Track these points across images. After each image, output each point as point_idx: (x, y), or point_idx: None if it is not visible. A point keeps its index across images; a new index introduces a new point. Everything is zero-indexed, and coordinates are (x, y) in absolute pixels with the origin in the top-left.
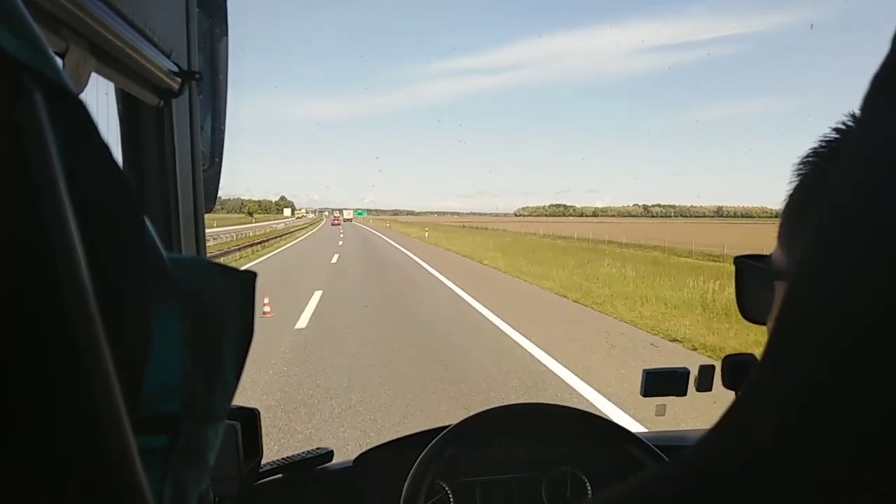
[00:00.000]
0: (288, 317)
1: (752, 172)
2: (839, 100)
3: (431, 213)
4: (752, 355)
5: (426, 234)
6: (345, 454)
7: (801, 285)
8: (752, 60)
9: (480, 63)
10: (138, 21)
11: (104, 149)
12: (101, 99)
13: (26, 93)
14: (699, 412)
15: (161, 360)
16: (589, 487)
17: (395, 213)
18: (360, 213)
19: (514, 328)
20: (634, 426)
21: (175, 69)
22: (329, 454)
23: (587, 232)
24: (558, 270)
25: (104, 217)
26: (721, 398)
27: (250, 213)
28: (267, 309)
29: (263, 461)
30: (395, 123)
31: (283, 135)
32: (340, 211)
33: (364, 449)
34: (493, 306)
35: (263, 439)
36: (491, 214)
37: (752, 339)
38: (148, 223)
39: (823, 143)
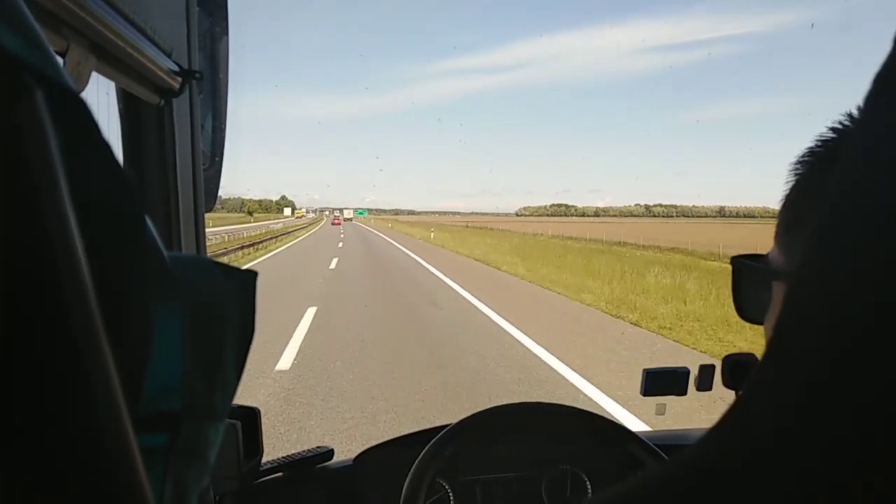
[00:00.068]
0: (268, 349)
1: (752, 172)
2: (840, 99)
3: (432, 212)
4: (752, 355)
5: (431, 234)
6: (345, 454)
7: (801, 285)
8: (754, 60)
9: (481, 62)
10: (139, 20)
11: (105, 148)
12: (101, 98)
13: (27, 91)
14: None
15: (161, 359)
16: (589, 486)
17: (396, 212)
18: (360, 213)
19: (585, 377)
20: None
21: (175, 68)
22: (329, 453)
23: (594, 232)
24: (592, 279)
25: (105, 216)
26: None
27: (250, 213)
28: None
29: (264, 460)
30: (395, 123)
31: (283, 134)
32: (341, 210)
33: (364, 448)
34: (543, 339)
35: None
36: (492, 214)
37: None
38: (149, 222)
39: (820, 143)
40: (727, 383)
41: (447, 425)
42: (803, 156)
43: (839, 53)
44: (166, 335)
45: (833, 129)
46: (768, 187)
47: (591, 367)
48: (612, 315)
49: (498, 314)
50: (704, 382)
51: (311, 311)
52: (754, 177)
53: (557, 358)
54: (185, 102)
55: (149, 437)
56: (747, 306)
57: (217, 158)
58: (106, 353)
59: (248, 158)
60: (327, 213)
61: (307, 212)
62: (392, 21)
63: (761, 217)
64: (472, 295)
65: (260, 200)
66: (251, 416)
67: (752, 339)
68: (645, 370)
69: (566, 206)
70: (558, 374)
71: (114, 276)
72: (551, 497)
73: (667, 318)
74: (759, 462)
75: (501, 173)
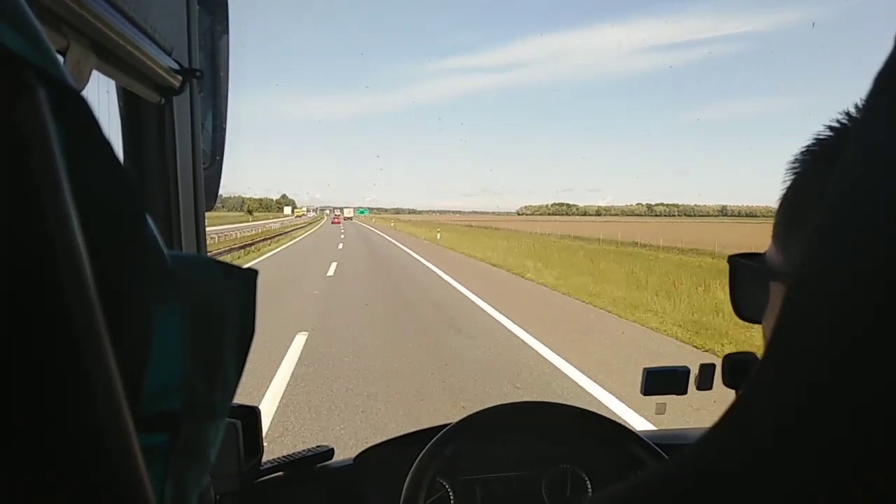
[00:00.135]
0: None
1: (753, 171)
2: (840, 99)
3: (433, 211)
4: (752, 354)
5: (438, 235)
6: (346, 453)
7: (801, 285)
8: (754, 59)
9: (482, 62)
10: (139, 18)
11: (106, 146)
12: (102, 96)
13: (29, 90)
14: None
15: (162, 358)
16: (589, 486)
17: (397, 211)
18: (361, 212)
19: None
20: None
21: (176, 67)
22: (329, 452)
23: (604, 232)
24: (639, 291)
25: (106, 214)
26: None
27: (250, 212)
28: None
29: (264, 459)
30: (396, 122)
31: (284, 132)
32: (341, 209)
33: (364, 447)
34: (633, 394)
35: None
36: (493, 213)
37: None
38: (150, 220)
39: (816, 142)
40: (727, 382)
41: (447, 424)
42: (800, 154)
43: (839, 53)
44: (166, 334)
45: (830, 128)
46: (769, 186)
47: None
48: (700, 348)
49: (548, 347)
50: (704, 382)
51: (299, 341)
52: (755, 176)
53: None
54: (185, 101)
55: (149, 436)
56: (745, 305)
57: (217, 157)
58: (107, 353)
59: (249, 157)
60: (328, 211)
61: (308, 211)
62: (392, 20)
63: (763, 216)
64: (505, 315)
65: (260, 199)
66: (251, 416)
67: None
68: (645, 369)
69: (567, 205)
70: None
71: (114, 275)
72: (551, 496)
73: None
74: (759, 462)
75: (502, 172)
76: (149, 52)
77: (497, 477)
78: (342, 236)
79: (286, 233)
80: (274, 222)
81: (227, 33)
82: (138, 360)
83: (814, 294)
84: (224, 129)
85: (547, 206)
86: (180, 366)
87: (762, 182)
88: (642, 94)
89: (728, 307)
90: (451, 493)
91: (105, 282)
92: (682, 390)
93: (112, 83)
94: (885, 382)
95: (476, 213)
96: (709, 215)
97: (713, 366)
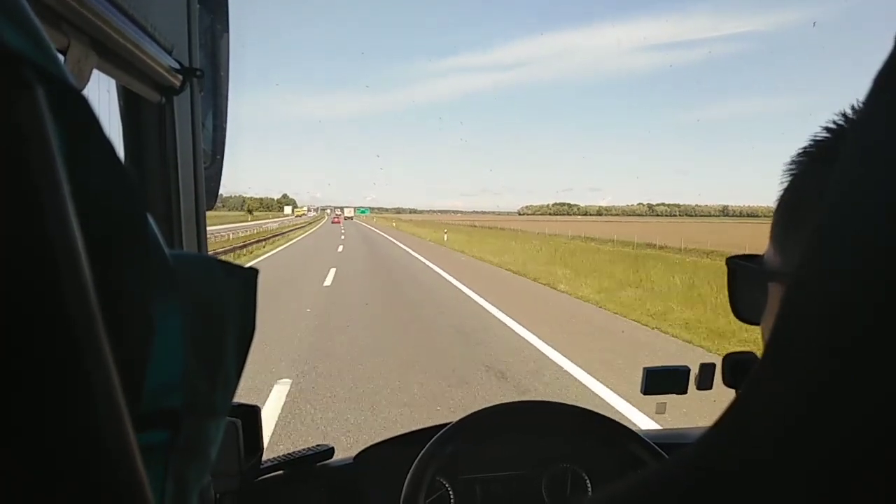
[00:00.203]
0: None
1: (754, 171)
2: (840, 99)
3: (434, 211)
4: (752, 353)
5: (445, 236)
6: (346, 452)
7: (800, 285)
8: (754, 59)
9: (482, 61)
10: (140, 17)
11: (107, 145)
12: (102, 95)
13: (28, 88)
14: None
15: (163, 357)
16: (589, 485)
17: (398, 210)
18: (362, 212)
19: None
20: None
21: (176, 66)
22: (330, 451)
23: (616, 233)
24: (719, 316)
25: (106, 214)
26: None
27: (250, 211)
28: None
29: (264, 458)
30: (396, 121)
31: (284, 132)
32: (341, 209)
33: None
34: None
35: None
36: (493, 213)
37: None
38: (150, 220)
39: (813, 143)
40: (727, 382)
41: (447, 424)
42: (797, 156)
43: (840, 53)
44: (167, 333)
45: (827, 129)
46: (769, 187)
47: None
48: None
49: (640, 411)
50: (705, 381)
51: (278, 391)
52: (755, 176)
53: None
54: (185, 100)
55: (149, 434)
56: (743, 307)
57: (218, 156)
58: (106, 353)
59: (250, 156)
60: (328, 211)
61: (308, 210)
62: (393, 19)
63: (765, 216)
64: (561, 353)
65: (261, 199)
66: (252, 414)
67: None
68: (645, 368)
69: (568, 204)
70: None
71: (115, 274)
72: (551, 495)
73: None
74: (759, 461)
75: (502, 172)
76: (149, 51)
77: (497, 476)
78: (342, 237)
79: (283, 233)
80: (272, 222)
81: (228, 32)
82: (138, 360)
83: (813, 294)
84: (224, 129)
85: (548, 205)
86: (181, 364)
87: (763, 182)
88: (642, 93)
89: None
90: (451, 493)
91: (105, 282)
92: (683, 390)
93: (112, 82)
94: (885, 382)
95: (476, 212)
96: (710, 215)
97: (713, 365)
